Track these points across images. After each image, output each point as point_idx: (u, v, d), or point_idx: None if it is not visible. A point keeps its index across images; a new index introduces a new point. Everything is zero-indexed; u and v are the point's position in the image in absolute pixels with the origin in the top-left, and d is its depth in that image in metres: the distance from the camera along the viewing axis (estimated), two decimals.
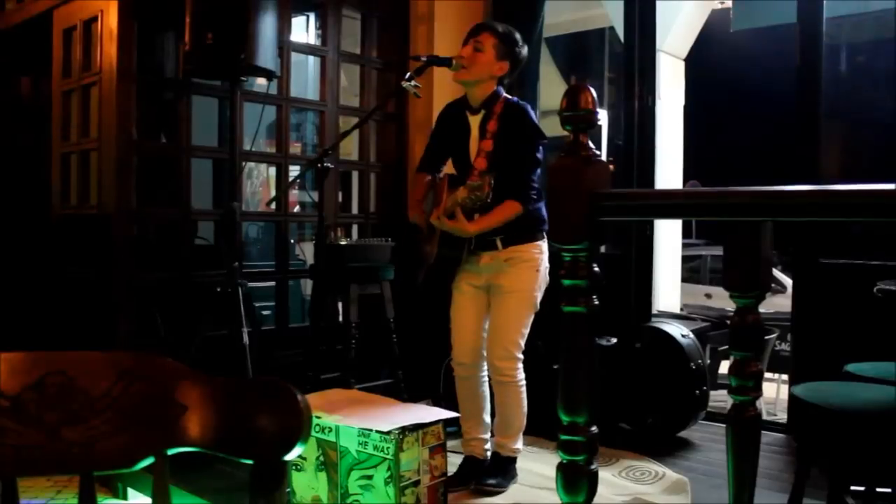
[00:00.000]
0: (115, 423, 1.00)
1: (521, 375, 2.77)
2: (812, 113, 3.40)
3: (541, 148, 2.73)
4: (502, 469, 2.84)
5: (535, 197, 2.71)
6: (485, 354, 2.84)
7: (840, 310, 3.18)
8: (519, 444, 2.87)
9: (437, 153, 2.98)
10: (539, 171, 2.74)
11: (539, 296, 2.78)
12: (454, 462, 2.83)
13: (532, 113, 2.78)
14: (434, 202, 2.86)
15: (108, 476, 2.85)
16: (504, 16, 3.99)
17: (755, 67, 10.73)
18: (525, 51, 2.87)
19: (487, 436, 2.91)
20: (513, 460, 2.88)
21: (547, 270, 2.80)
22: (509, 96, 2.83)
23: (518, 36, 2.81)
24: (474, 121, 2.80)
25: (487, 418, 2.91)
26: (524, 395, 2.79)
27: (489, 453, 2.90)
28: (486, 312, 2.85)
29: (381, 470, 2.31)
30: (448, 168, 2.97)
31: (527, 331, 2.77)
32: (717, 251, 8.74)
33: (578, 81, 1.29)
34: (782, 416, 4.34)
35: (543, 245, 2.80)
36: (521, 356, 2.75)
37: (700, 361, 3.45)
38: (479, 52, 2.73)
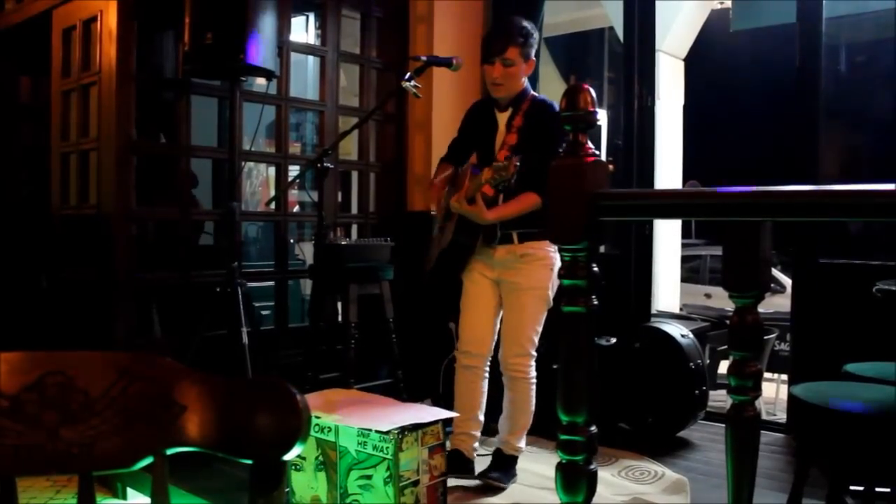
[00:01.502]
0: (115, 422, 1.00)
1: (534, 373, 2.78)
2: (811, 113, 3.40)
3: (564, 145, 2.73)
4: (503, 467, 2.84)
5: None
6: (491, 348, 2.85)
7: (839, 310, 3.18)
8: (522, 444, 2.87)
9: (461, 147, 3.00)
10: None
11: (552, 294, 2.78)
12: None
13: (557, 109, 2.78)
14: (455, 190, 2.87)
15: (108, 476, 2.85)
16: (503, 15, 3.99)
17: (755, 67, 10.73)
18: (537, 33, 2.89)
19: (478, 434, 2.91)
20: (514, 459, 2.88)
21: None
22: (537, 94, 2.86)
23: (527, 25, 2.80)
24: (502, 117, 2.84)
25: (482, 416, 2.91)
26: (534, 392, 2.80)
27: (478, 457, 2.89)
28: (497, 306, 2.86)
29: (380, 470, 2.30)
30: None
31: (541, 328, 2.78)
32: (717, 251, 8.74)
33: (577, 81, 1.30)
34: (782, 416, 4.34)
35: None
36: (534, 353, 2.77)
37: (699, 361, 3.45)
38: (510, 66, 2.73)
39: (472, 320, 2.87)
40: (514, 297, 2.79)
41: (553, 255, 2.78)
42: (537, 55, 2.84)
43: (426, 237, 3.16)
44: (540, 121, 2.74)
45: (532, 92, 2.85)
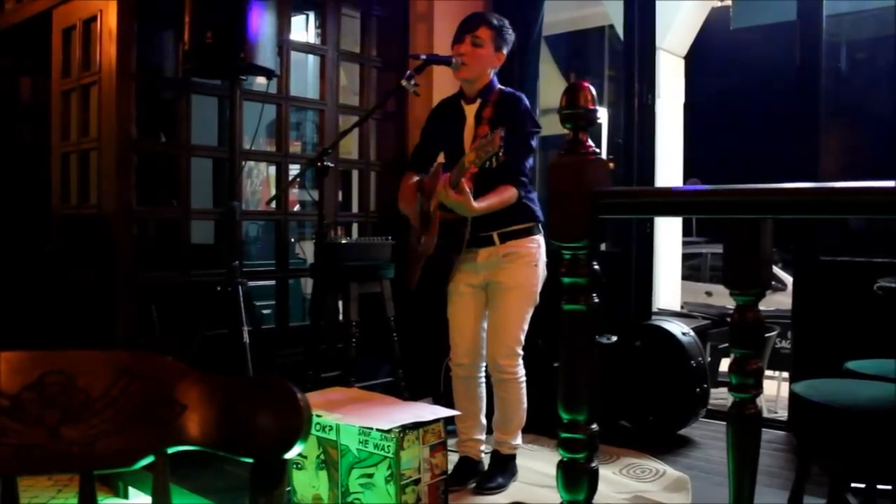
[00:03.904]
0: (115, 421, 1.00)
1: (522, 372, 2.77)
2: (812, 110, 3.40)
3: (534, 137, 2.74)
4: (502, 467, 2.84)
5: (526, 184, 2.70)
6: (484, 353, 2.84)
7: (840, 307, 3.18)
8: (518, 441, 2.87)
9: (427, 149, 2.97)
10: (531, 160, 2.74)
11: (538, 290, 2.77)
12: (454, 461, 2.84)
13: (526, 102, 2.78)
14: (427, 195, 2.84)
15: (109, 475, 2.86)
16: (504, 14, 3.99)
17: (755, 65, 10.73)
18: (513, 35, 2.87)
19: (483, 437, 2.92)
20: (513, 457, 2.88)
21: (545, 264, 2.79)
22: (504, 87, 2.84)
23: (507, 21, 2.81)
24: (470, 110, 2.81)
25: (484, 419, 2.91)
26: (524, 391, 2.79)
27: (485, 455, 2.90)
28: (485, 311, 2.84)
29: (381, 468, 2.31)
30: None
31: (527, 326, 2.77)
32: (718, 249, 8.74)
33: (578, 79, 1.29)
34: (783, 414, 4.34)
35: (540, 239, 2.79)
36: (521, 352, 2.76)
37: (700, 359, 3.45)
38: (478, 47, 2.73)
39: (461, 333, 2.85)
40: (499, 296, 2.76)
41: (536, 252, 2.77)
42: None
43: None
44: (511, 114, 2.71)
45: (500, 85, 2.83)
